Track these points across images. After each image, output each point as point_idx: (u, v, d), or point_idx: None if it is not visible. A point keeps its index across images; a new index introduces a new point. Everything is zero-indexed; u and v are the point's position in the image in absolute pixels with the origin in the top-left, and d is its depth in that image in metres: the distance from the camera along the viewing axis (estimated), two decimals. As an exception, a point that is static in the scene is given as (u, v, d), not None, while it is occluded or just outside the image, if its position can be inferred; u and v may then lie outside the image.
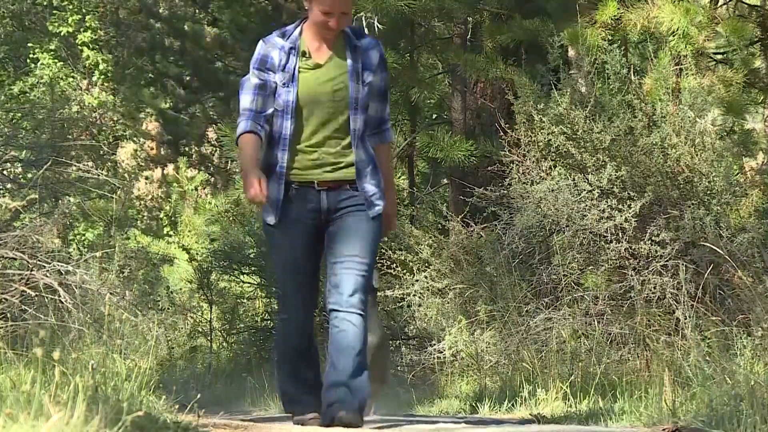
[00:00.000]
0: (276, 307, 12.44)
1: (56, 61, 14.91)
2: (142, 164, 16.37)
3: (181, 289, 13.18)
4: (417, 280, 9.86)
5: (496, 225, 9.50)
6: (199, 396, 5.54)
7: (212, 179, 17.11)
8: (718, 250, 8.05)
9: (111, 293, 7.60)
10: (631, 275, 8.59)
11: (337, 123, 5.25)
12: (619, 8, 10.20)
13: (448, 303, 9.66)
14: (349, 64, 5.27)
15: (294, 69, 5.24)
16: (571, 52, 10.70)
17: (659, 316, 8.16)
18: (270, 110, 5.24)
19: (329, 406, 5.19)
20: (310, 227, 5.28)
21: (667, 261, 8.37)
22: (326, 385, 5.23)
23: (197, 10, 16.91)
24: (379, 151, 5.40)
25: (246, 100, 5.25)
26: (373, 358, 5.79)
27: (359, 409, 5.22)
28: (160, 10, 16.70)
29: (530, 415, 7.37)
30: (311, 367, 5.40)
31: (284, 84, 5.22)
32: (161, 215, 15.46)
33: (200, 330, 12.57)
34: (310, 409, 5.35)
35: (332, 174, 5.26)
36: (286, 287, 5.35)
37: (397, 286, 9.87)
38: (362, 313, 5.21)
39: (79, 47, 15.28)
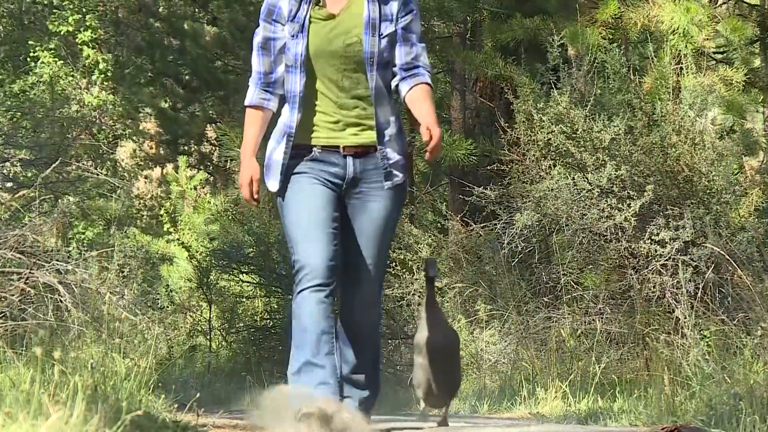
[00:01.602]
0: (275, 306, 12.46)
1: (56, 60, 14.89)
2: (142, 163, 16.36)
3: (180, 288, 13.18)
4: (416, 279, 9.86)
5: (495, 224, 9.50)
6: (198, 395, 5.54)
7: (212, 178, 17.09)
8: (717, 249, 8.05)
9: (110, 292, 7.60)
10: (631, 274, 8.59)
11: (353, 81, 4.73)
12: (619, 7, 10.20)
13: (448, 302, 9.66)
14: (365, 15, 4.71)
15: (305, 18, 4.71)
16: (570, 51, 10.70)
17: (659, 315, 8.16)
18: (281, 69, 4.77)
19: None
20: (331, 190, 4.75)
21: (666, 260, 8.37)
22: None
23: (197, 9, 16.90)
24: (414, 92, 4.76)
25: (254, 61, 4.82)
26: (438, 364, 5.01)
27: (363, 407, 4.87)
28: (160, 9, 16.69)
29: (530, 414, 7.37)
30: (324, 345, 4.74)
31: (293, 35, 4.72)
32: (161, 212, 15.45)
33: (199, 329, 12.56)
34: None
35: (357, 138, 4.75)
36: (300, 237, 4.70)
37: (396, 285, 9.86)
38: (375, 302, 4.83)
39: (79, 46, 15.27)
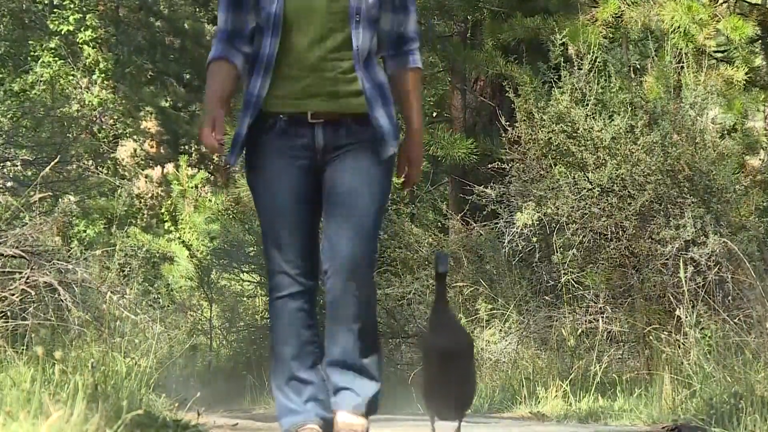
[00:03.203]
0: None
1: (56, 59, 14.90)
2: (142, 162, 16.37)
3: (181, 287, 13.19)
4: (417, 279, 9.85)
5: (496, 223, 9.50)
6: (198, 394, 5.54)
7: (212, 178, 17.10)
8: (718, 248, 8.04)
9: (111, 292, 7.60)
10: (632, 273, 8.58)
11: (335, 41, 4.15)
12: (620, 6, 10.20)
13: (448, 301, 9.64)
14: None
15: None
16: (570, 50, 10.70)
17: (659, 314, 8.16)
18: (250, 28, 4.18)
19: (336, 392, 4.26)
20: (300, 166, 4.20)
21: (667, 259, 8.37)
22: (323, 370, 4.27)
23: (197, 9, 16.91)
24: (401, 79, 4.30)
25: (219, 18, 4.25)
26: (447, 369, 4.42)
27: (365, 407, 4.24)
28: (161, 9, 16.70)
29: (530, 413, 7.37)
30: (307, 357, 4.24)
31: None
32: (162, 211, 15.47)
33: (200, 328, 12.57)
34: (309, 419, 4.24)
35: (329, 104, 4.17)
36: (270, 234, 4.20)
37: (397, 285, 9.86)
38: (365, 281, 4.19)
39: (80, 45, 15.28)
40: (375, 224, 4.21)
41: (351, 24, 4.14)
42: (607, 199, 8.63)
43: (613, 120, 8.78)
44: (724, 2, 10.91)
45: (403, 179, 4.36)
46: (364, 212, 4.17)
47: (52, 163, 8.38)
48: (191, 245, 13.44)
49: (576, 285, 8.82)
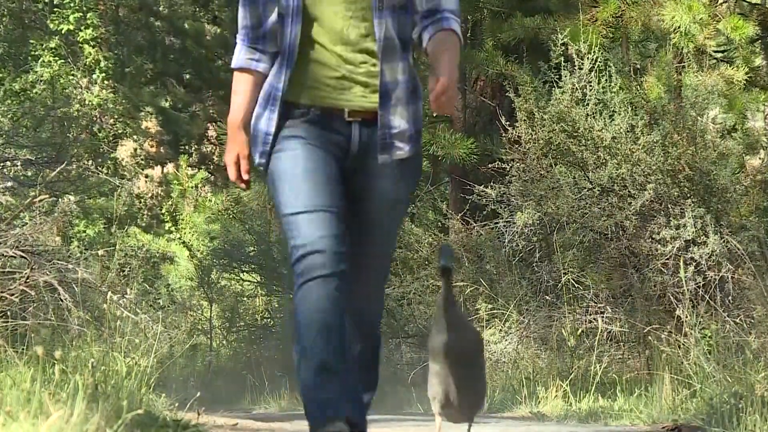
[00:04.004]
0: (276, 305, 12.46)
1: (57, 59, 14.90)
2: (142, 162, 16.37)
3: (181, 287, 13.19)
4: (417, 279, 9.85)
5: (496, 223, 9.50)
6: (198, 394, 5.54)
7: (212, 178, 17.10)
8: (718, 248, 8.04)
9: (111, 291, 7.60)
10: (632, 273, 8.58)
11: (361, 31, 3.82)
12: (620, 6, 10.20)
13: (449, 301, 9.64)
14: None
15: None
16: (571, 50, 10.70)
17: (660, 314, 8.16)
18: (272, 20, 3.87)
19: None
20: (331, 155, 3.83)
21: (667, 259, 8.37)
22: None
23: (198, 9, 16.90)
24: (433, 41, 3.84)
25: (240, 14, 3.95)
26: (457, 371, 4.15)
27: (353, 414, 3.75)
28: (161, 8, 16.70)
29: (530, 413, 7.37)
30: (340, 343, 3.76)
31: None
32: (162, 210, 15.47)
33: (200, 328, 12.57)
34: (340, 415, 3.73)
35: (365, 100, 3.82)
36: (299, 201, 3.76)
37: (397, 285, 9.86)
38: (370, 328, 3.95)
39: (80, 45, 15.27)
40: (393, 242, 4.00)
41: (374, 12, 3.80)
42: (607, 199, 8.63)
43: (613, 120, 8.78)
44: (725, 2, 10.91)
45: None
46: (380, 253, 3.92)
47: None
48: (191, 245, 13.45)
49: (576, 285, 8.82)
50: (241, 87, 3.91)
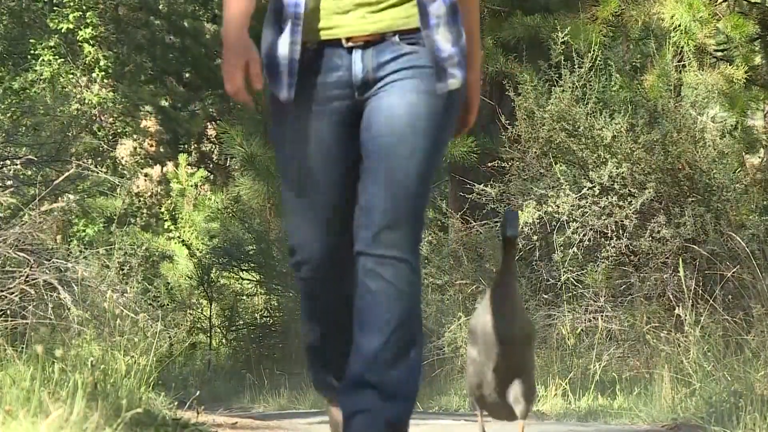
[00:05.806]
0: (275, 303, 12.46)
1: (56, 57, 14.90)
2: (142, 161, 16.37)
3: (180, 285, 13.19)
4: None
5: (496, 222, 9.50)
6: (198, 393, 5.54)
7: (212, 176, 17.10)
8: (718, 247, 8.04)
9: (111, 290, 7.61)
10: (632, 272, 8.59)
11: None
12: (620, 4, 10.20)
13: (448, 299, 9.65)
14: None
15: None
16: (571, 48, 10.70)
17: (659, 313, 8.16)
18: None
19: (348, 417, 3.09)
20: (334, 115, 3.15)
21: (667, 258, 8.37)
22: (346, 382, 3.13)
23: (197, 7, 16.90)
24: (467, 11, 3.36)
25: None
26: (505, 360, 3.50)
27: (394, 424, 3.08)
28: (160, 7, 16.69)
29: (530, 412, 7.36)
30: (344, 345, 3.18)
31: None
32: (162, 210, 15.47)
33: (200, 327, 12.57)
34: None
35: (371, 20, 3.12)
36: (296, 209, 3.21)
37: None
38: (405, 258, 3.11)
39: (79, 44, 15.27)
40: (420, 185, 3.19)
41: None
42: (607, 198, 8.63)
43: (613, 118, 8.78)
44: (724, 1, 10.91)
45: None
46: (405, 166, 3.15)
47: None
48: (191, 244, 13.44)
49: (576, 283, 8.82)
50: None
